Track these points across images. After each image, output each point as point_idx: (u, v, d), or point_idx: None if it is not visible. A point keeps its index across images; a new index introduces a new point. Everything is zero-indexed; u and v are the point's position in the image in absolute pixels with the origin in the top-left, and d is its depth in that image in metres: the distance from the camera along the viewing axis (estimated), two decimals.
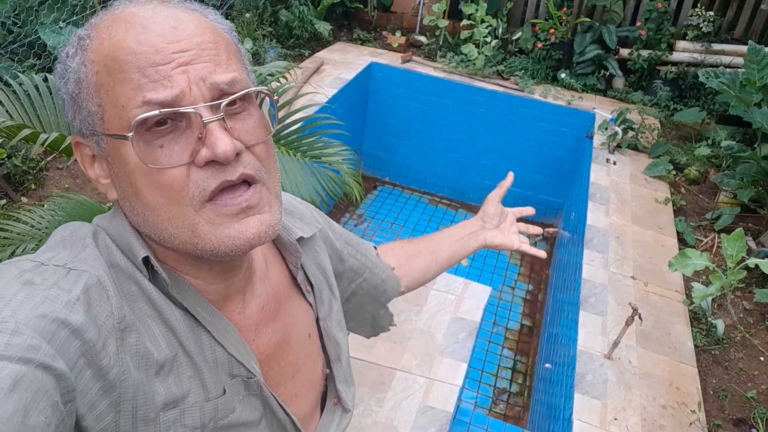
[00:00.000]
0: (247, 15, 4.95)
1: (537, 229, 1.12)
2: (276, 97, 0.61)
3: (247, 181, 0.56)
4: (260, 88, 0.57)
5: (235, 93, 0.54)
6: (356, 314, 0.92)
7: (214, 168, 0.53)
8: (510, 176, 1.09)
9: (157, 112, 0.50)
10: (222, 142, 0.51)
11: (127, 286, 0.55)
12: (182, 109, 0.51)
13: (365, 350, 2.54)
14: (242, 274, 0.65)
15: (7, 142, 1.50)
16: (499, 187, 1.09)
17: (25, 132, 1.39)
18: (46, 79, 1.81)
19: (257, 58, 4.59)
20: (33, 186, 3.06)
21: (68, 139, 1.51)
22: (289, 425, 0.69)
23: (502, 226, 1.09)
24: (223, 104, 0.52)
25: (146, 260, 0.57)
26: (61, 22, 3.65)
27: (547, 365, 3.20)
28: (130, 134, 0.50)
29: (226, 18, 4.91)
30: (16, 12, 3.68)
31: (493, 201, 1.08)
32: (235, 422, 0.61)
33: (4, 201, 2.89)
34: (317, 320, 0.77)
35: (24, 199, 2.98)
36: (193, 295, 0.59)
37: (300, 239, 0.74)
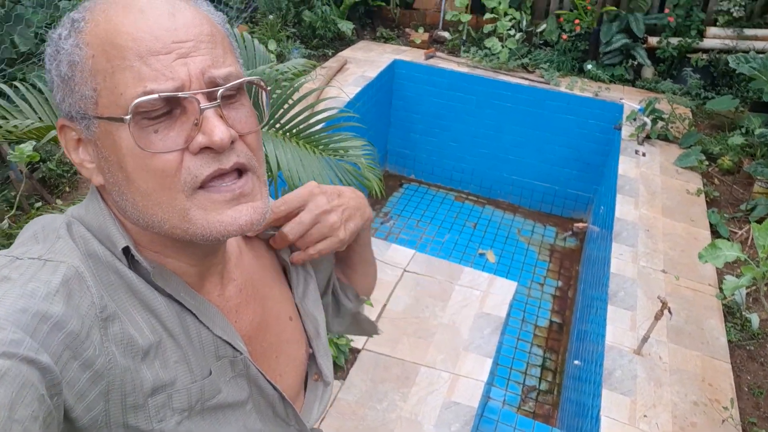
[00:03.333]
0: (271, 17, 5.00)
1: None
2: (268, 88, 0.61)
3: (238, 170, 0.56)
4: (255, 78, 0.58)
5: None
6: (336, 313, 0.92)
7: (208, 156, 0.53)
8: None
9: (156, 96, 0.50)
10: (219, 129, 0.52)
11: (105, 276, 0.55)
12: (181, 94, 0.51)
13: (390, 345, 2.54)
14: (219, 257, 0.65)
15: (37, 143, 1.55)
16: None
17: (53, 133, 1.44)
18: None
19: (281, 59, 4.64)
20: (67, 189, 3.16)
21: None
22: (278, 401, 0.70)
23: None
24: (220, 92, 0.53)
25: (126, 250, 0.57)
26: None
27: (576, 362, 3.15)
28: (128, 117, 0.51)
29: (251, 21, 4.94)
30: (48, 22, 3.80)
31: None
32: (221, 403, 0.62)
33: (39, 203, 2.99)
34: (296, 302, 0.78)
35: (59, 202, 3.08)
36: (175, 280, 0.60)
37: None
